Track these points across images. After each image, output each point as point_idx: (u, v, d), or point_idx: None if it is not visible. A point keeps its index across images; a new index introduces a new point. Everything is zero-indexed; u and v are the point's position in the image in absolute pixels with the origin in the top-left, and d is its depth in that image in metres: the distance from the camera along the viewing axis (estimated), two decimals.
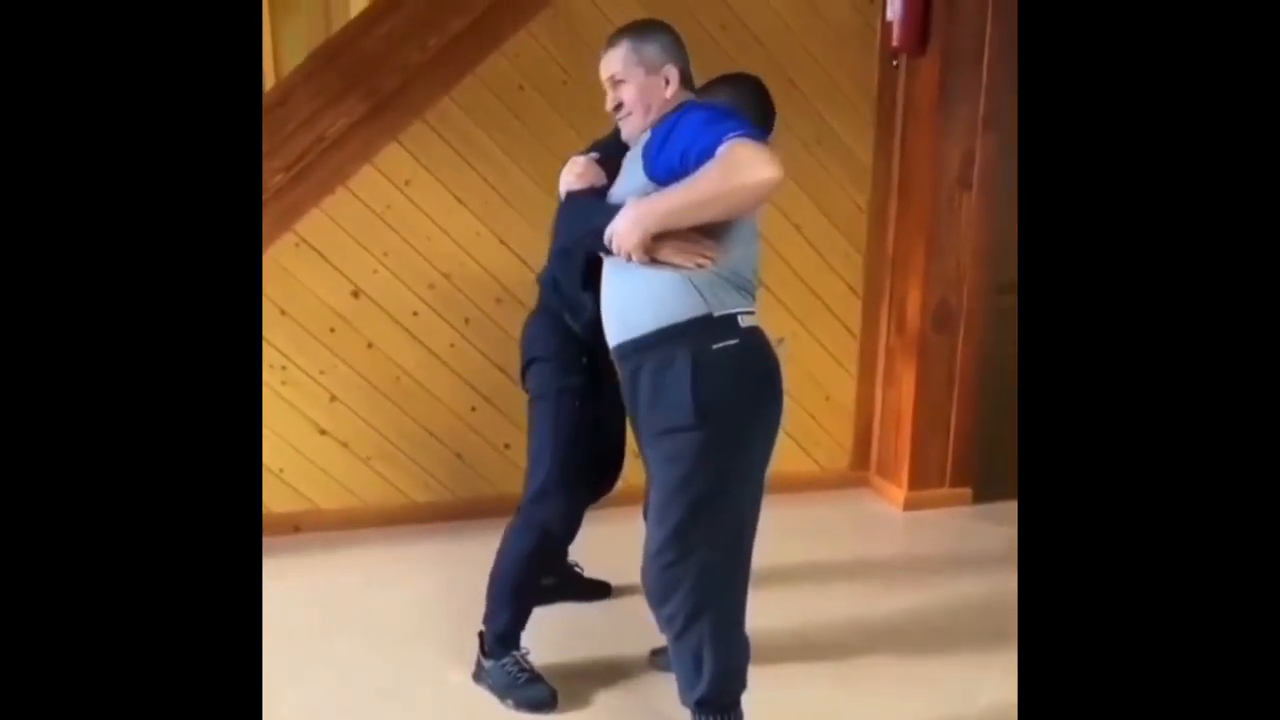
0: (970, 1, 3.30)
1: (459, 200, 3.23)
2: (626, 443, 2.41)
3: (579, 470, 2.30)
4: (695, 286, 1.89)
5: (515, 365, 3.34)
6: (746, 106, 2.28)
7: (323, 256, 3.16)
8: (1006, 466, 3.64)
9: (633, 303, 1.96)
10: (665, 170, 1.85)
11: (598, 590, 2.88)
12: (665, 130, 1.89)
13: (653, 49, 2.03)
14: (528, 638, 2.41)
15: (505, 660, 2.35)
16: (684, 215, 1.84)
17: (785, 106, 2.92)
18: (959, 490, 3.69)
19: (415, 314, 3.27)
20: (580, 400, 2.28)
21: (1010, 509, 3.62)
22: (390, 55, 3.06)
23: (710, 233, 1.88)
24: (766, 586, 2.53)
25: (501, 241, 3.29)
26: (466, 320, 3.32)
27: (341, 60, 3.04)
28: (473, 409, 3.38)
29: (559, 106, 3.23)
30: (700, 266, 1.87)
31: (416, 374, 3.31)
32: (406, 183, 3.17)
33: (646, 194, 1.88)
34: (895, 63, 3.49)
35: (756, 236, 2.03)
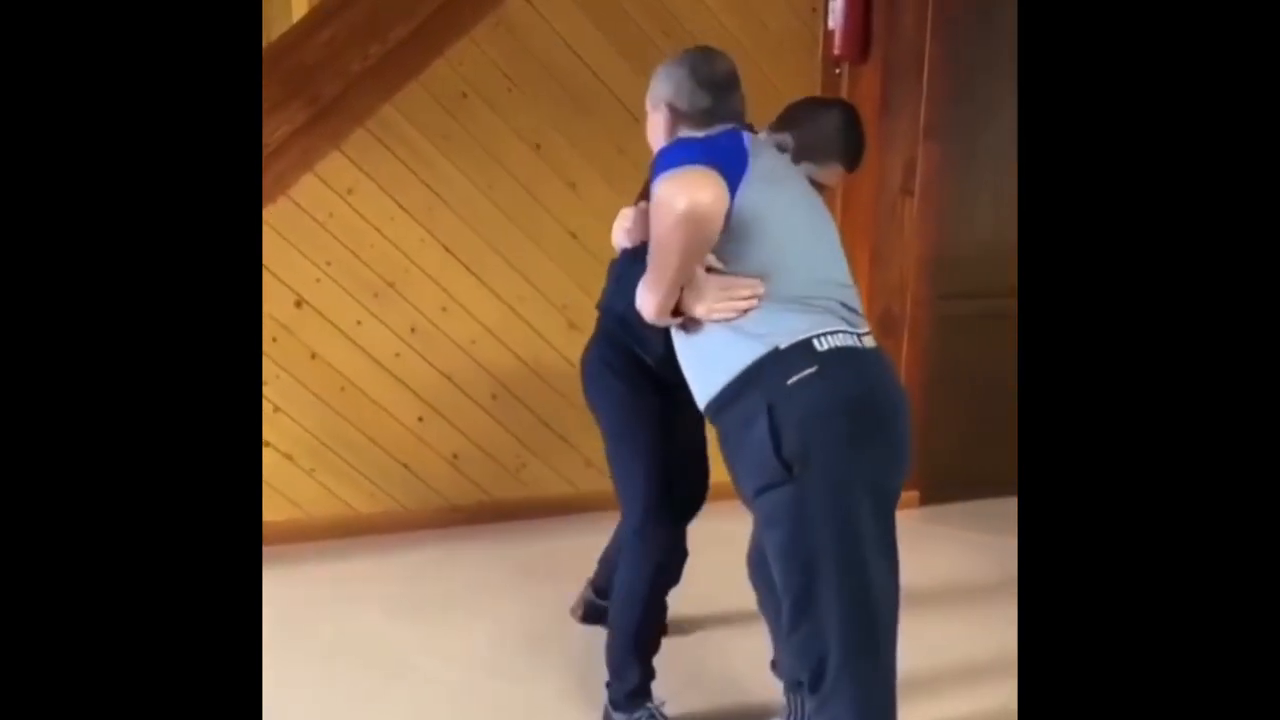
0: (910, 13, 3.35)
1: (402, 208, 3.20)
2: (708, 445, 2.25)
3: (676, 494, 2.21)
4: (749, 326, 1.73)
5: (462, 373, 3.37)
6: (818, 140, 2.12)
7: (264, 266, 3.12)
8: (952, 469, 3.71)
9: (700, 361, 1.83)
10: None
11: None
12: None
13: (660, 82, 1.91)
14: None
15: (639, 714, 2.23)
16: (664, 272, 1.74)
17: None
18: (907, 493, 3.70)
19: (359, 323, 3.24)
20: (660, 422, 2.16)
21: (957, 510, 3.68)
22: (331, 62, 3.03)
23: (751, 265, 1.74)
24: (717, 595, 2.53)
25: (446, 249, 3.27)
26: (412, 329, 3.30)
27: (282, 67, 3.01)
28: (420, 419, 3.35)
29: (503, 113, 3.23)
30: (746, 311, 1.73)
31: (361, 384, 3.27)
32: (349, 191, 3.14)
33: None
34: (838, 70, 3.53)
35: (822, 241, 1.85)
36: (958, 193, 3.55)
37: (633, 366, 2.19)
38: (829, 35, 3.46)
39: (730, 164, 1.73)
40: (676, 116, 1.88)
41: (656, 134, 1.92)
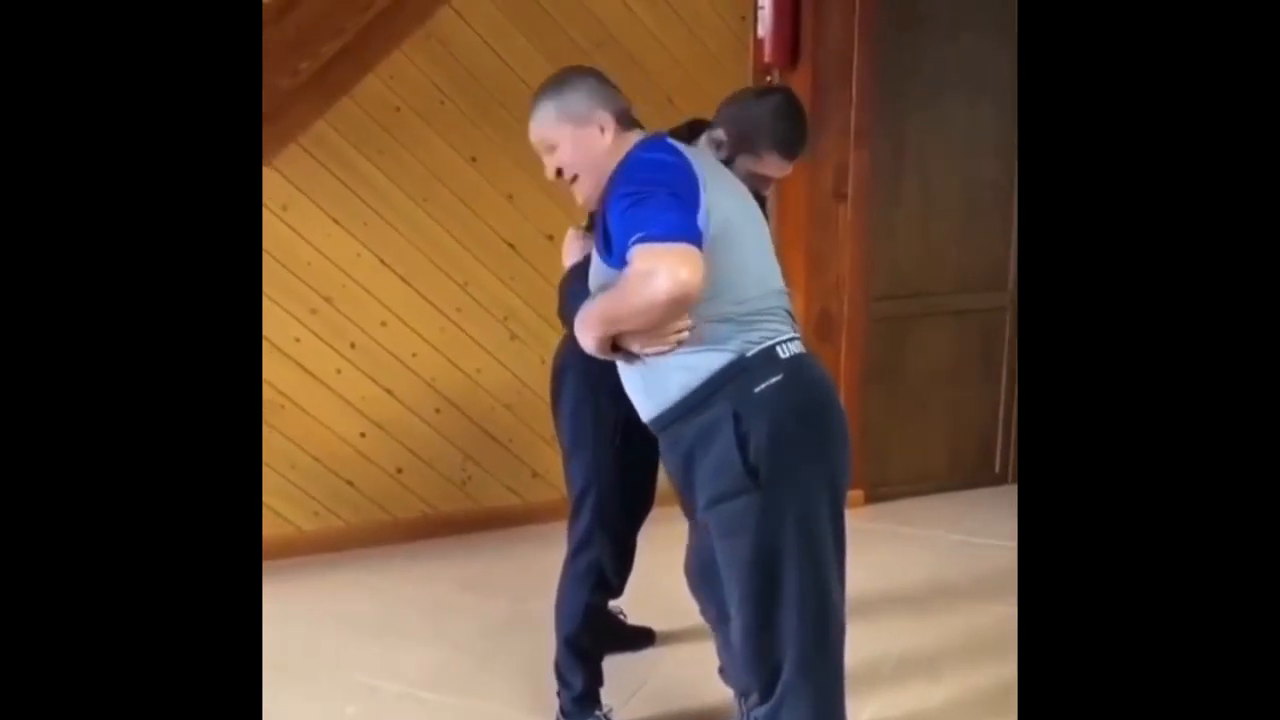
0: (836, 20, 3.41)
1: (338, 223, 3.19)
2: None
3: (624, 507, 2.21)
4: (712, 341, 1.70)
5: (404, 387, 3.35)
6: (751, 130, 2.08)
7: None
8: (893, 468, 3.77)
9: (655, 371, 1.75)
10: (620, 261, 1.65)
11: (642, 638, 2.72)
12: (603, 211, 1.71)
13: (576, 98, 1.81)
14: None
15: None
16: (616, 327, 1.70)
17: (664, 124, 2.97)
18: (852, 492, 3.75)
19: (298, 340, 3.21)
20: (622, 436, 2.11)
21: (899, 507, 3.74)
22: (262, 80, 3.01)
23: (712, 276, 1.63)
24: (665, 597, 2.55)
25: (383, 263, 3.25)
26: (352, 344, 3.28)
27: None
28: (362, 434, 3.33)
29: (437, 127, 3.22)
30: (679, 345, 1.69)
31: (301, 401, 3.25)
32: (283, 207, 3.12)
33: (607, 283, 1.70)
34: (769, 78, 3.58)
35: (766, 249, 1.82)
36: (889, 195, 3.62)
37: (602, 371, 2.11)
38: (759, 43, 3.51)
39: (687, 185, 1.67)
40: (621, 120, 1.83)
41: (595, 148, 1.81)
